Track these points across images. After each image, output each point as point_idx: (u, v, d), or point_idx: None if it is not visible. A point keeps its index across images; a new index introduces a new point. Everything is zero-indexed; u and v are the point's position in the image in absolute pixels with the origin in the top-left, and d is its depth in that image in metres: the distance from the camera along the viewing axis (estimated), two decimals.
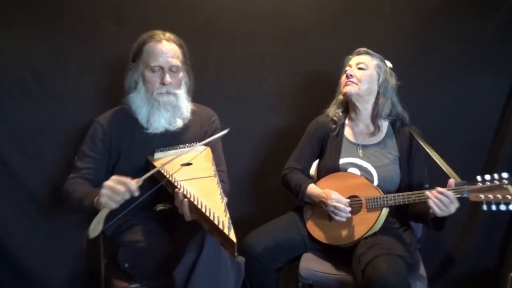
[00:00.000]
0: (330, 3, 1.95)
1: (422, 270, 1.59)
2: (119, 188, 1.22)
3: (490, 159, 1.95)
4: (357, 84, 1.64)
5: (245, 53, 1.97)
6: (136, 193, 1.24)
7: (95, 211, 1.26)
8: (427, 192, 1.39)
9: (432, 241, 1.88)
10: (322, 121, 1.74)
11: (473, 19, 1.90)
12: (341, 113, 1.74)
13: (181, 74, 1.55)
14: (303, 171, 1.76)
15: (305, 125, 1.80)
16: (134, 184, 1.23)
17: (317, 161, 1.81)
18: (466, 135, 1.95)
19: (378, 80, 1.66)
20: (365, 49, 1.68)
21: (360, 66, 1.65)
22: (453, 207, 1.35)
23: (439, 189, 1.37)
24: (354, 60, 1.68)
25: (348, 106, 1.75)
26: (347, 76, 1.66)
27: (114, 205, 1.23)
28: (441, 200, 1.35)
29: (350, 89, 1.64)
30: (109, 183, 1.24)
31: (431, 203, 1.36)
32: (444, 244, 2.01)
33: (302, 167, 1.76)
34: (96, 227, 1.22)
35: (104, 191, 1.23)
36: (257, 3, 1.94)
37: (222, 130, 1.47)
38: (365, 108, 1.68)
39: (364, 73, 1.64)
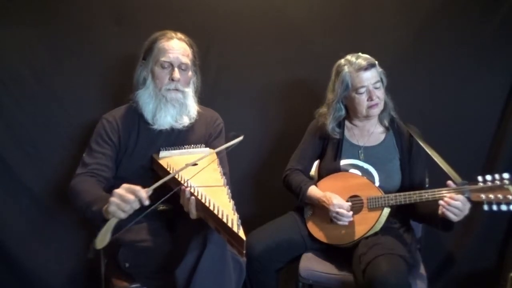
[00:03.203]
0: (330, 2, 1.95)
1: (422, 270, 1.59)
2: (128, 196, 1.17)
3: (490, 159, 1.95)
4: (380, 103, 1.61)
5: (245, 53, 1.97)
6: (147, 202, 1.19)
7: (102, 218, 1.23)
8: (440, 202, 1.37)
9: (432, 241, 1.88)
10: (323, 122, 1.73)
11: (473, 19, 1.90)
12: (339, 129, 1.69)
13: (190, 73, 1.57)
14: (305, 172, 1.76)
15: (305, 125, 1.80)
16: (144, 193, 1.18)
17: (318, 161, 1.81)
18: (466, 135, 1.95)
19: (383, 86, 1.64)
20: (368, 61, 1.57)
21: (377, 85, 1.58)
22: (467, 208, 1.35)
23: (449, 195, 1.36)
24: (365, 77, 1.57)
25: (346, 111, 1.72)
26: (371, 98, 1.58)
27: (122, 215, 1.18)
28: (455, 207, 1.34)
29: (377, 111, 1.62)
30: (119, 191, 1.19)
31: (446, 212, 1.35)
32: (444, 244, 2.01)
33: (303, 168, 1.76)
34: (103, 238, 1.17)
35: (113, 199, 1.18)
36: (257, 3, 1.94)
37: (230, 136, 1.45)
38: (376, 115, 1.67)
39: (381, 90, 1.61)
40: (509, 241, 1.95)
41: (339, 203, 1.53)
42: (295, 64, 1.99)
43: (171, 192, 1.26)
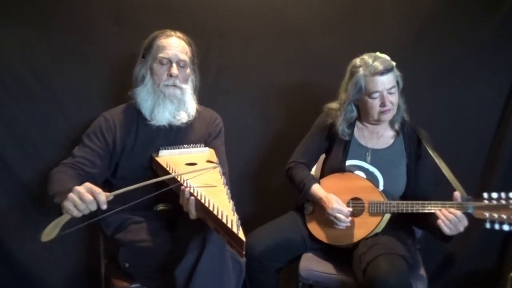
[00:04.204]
0: (330, 2, 1.95)
1: (422, 270, 1.59)
2: (87, 196, 1.16)
3: (490, 159, 1.95)
4: (393, 109, 1.57)
5: (245, 53, 1.97)
6: (104, 207, 1.18)
7: (60, 211, 1.20)
8: (438, 212, 1.37)
9: (432, 241, 1.86)
10: (333, 120, 1.68)
11: (473, 19, 1.90)
12: (349, 130, 1.66)
13: (188, 70, 1.58)
14: (308, 165, 1.74)
15: (305, 125, 1.80)
16: (103, 196, 1.17)
17: (321, 158, 1.80)
18: (466, 135, 1.95)
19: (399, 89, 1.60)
20: (385, 65, 1.51)
21: (391, 91, 1.53)
22: (461, 226, 1.35)
23: (449, 207, 1.36)
24: (380, 82, 1.51)
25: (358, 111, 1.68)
26: (383, 104, 1.53)
27: (75, 213, 1.16)
28: (449, 220, 1.34)
29: (389, 116, 1.58)
30: (79, 188, 1.17)
31: (440, 222, 1.35)
32: (444, 244, 2.00)
33: (307, 161, 1.74)
34: (50, 232, 1.14)
35: (71, 194, 1.16)
36: (257, 3, 1.94)
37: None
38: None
39: (396, 95, 1.56)
40: (509, 241, 1.95)
41: (338, 208, 1.52)
42: (295, 64, 1.99)
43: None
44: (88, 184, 1.19)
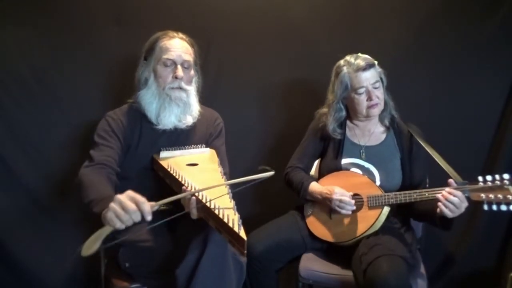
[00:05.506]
0: (330, 2, 1.95)
1: (422, 270, 1.59)
2: (129, 205, 1.07)
3: (489, 159, 1.96)
4: (380, 103, 1.61)
5: (245, 53, 1.97)
6: (149, 218, 1.08)
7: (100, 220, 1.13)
8: (438, 195, 1.38)
9: (432, 241, 1.88)
10: (324, 122, 1.72)
11: (473, 19, 1.90)
12: (340, 129, 1.69)
13: (192, 72, 1.57)
14: (305, 170, 1.76)
15: (306, 125, 1.80)
16: (148, 206, 1.08)
17: (318, 160, 1.81)
18: (466, 135, 1.95)
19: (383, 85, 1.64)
20: (367, 61, 1.58)
21: (376, 85, 1.59)
22: (464, 206, 1.35)
23: (448, 189, 1.36)
24: (364, 78, 1.57)
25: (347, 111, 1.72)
26: (370, 98, 1.58)
27: (118, 225, 1.07)
28: (452, 202, 1.34)
29: (377, 111, 1.62)
30: (121, 197, 1.08)
31: (441, 206, 1.35)
32: (444, 244, 2.01)
33: (304, 166, 1.76)
34: (91, 246, 1.04)
35: (112, 204, 1.08)
36: (257, 3, 1.94)
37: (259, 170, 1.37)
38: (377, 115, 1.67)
39: (381, 90, 1.61)
40: (509, 241, 1.95)
41: (341, 192, 1.54)
42: (296, 64, 2.00)
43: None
44: (130, 193, 1.10)
